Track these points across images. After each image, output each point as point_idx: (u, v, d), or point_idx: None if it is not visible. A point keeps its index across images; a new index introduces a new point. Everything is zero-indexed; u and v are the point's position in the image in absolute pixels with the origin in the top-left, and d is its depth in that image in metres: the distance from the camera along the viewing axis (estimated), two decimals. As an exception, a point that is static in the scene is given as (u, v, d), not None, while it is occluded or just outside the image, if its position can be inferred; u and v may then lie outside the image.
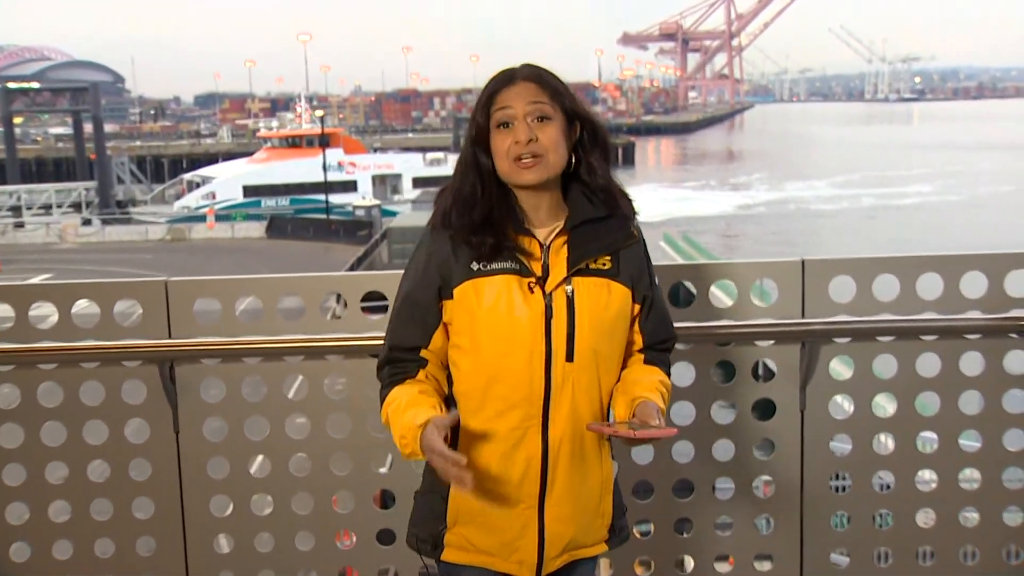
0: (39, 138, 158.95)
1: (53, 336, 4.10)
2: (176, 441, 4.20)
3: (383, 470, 4.25)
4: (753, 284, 4.20)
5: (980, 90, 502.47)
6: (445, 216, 2.83)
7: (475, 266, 2.76)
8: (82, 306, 4.17)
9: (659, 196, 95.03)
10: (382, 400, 2.90)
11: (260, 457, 4.24)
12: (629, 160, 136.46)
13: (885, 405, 4.26)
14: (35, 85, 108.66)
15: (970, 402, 4.24)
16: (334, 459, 4.22)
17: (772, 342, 4.18)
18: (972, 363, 4.23)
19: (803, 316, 4.15)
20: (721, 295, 4.60)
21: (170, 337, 4.14)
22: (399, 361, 2.89)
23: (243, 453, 4.22)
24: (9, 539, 4.26)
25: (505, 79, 2.85)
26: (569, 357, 2.76)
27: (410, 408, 2.75)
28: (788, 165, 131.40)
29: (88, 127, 76.93)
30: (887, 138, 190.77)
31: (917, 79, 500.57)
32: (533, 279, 2.76)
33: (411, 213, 53.11)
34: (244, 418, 4.19)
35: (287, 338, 4.10)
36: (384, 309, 3.66)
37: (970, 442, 4.29)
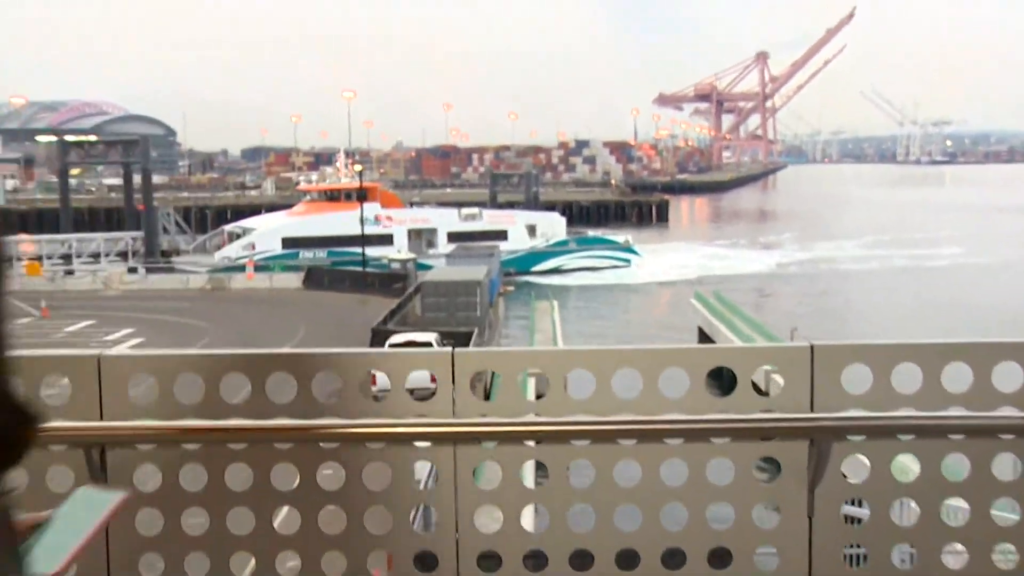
0: (93, 188, 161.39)
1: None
2: (105, 534, 3.66)
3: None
4: (755, 371, 3.64)
5: (1011, 154, 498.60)
6: None
7: None
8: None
9: (692, 254, 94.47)
10: None
11: (199, 554, 3.70)
12: (663, 218, 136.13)
13: (906, 513, 3.66)
14: (91, 138, 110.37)
15: (1005, 512, 3.63)
16: (281, 558, 3.68)
17: (776, 439, 3.60)
18: (1006, 466, 3.62)
19: (812, 410, 3.58)
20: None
21: (102, 419, 3.62)
22: None
23: (180, 550, 3.68)
24: None
25: None
26: None
27: None
28: (820, 225, 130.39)
29: (137, 178, 77.67)
30: (918, 200, 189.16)
31: (948, 142, 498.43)
32: None
33: (444, 267, 52.89)
34: (182, 510, 3.65)
35: (231, 424, 3.58)
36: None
37: (1005, 556, 3.67)
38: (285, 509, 3.69)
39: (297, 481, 3.64)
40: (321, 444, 3.61)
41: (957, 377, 3.59)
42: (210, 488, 3.65)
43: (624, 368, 3.60)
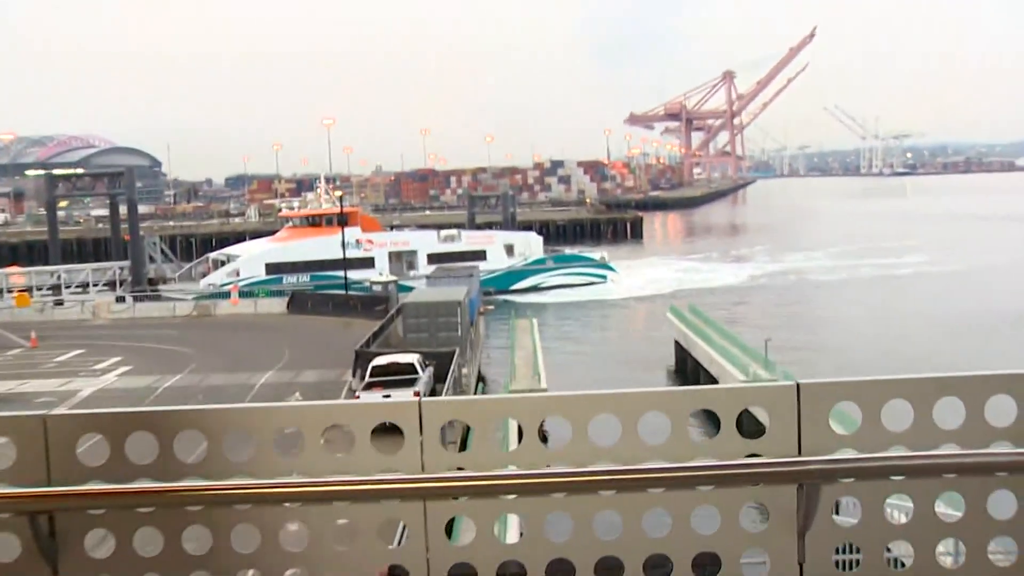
0: (81, 219, 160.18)
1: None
2: None
3: None
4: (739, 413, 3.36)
5: (967, 164, 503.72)
6: None
7: None
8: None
9: (667, 268, 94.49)
10: None
11: None
12: (637, 234, 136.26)
13: (900, 556, 3.38)
14: (78, 171, 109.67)
15: (1002, 552, 3.36)
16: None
17: (761, 485, 3.33)
18: (1003, 505, 3.36)
19: (800, 452, 3.31)
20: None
21: (49, 483, 3.30)
22: None
23: None
24: None
25: None
26: None
27: None
28: (789, 237, 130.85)
29: (124, 209, 77.05)
30: (882, 210, 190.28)
31: (908, 154, 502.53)
32: None
33: (425, 289, 52.49)
34: None
35: (188, 485, 3.27)
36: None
37: None
38: (250, 572, 3.39)
39: (259, 543, 3.34)
40: (286, 504, 3.31)
41: (949, 412, 3.33)
42: (167, 553, 3.34)
43: (603, 414, 3.32)
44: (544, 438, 3.39)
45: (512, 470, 3.19)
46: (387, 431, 3.36)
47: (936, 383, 3.34)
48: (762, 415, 3.36)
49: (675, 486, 3.26)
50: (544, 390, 38.59)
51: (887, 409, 3.32)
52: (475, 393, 37.61)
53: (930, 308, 67.23)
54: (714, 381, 43.23)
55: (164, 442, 3.31)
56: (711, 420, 3.39)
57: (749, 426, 3.41)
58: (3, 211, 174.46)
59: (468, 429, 3.38)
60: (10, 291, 66.98)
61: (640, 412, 3.29)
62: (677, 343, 50.77)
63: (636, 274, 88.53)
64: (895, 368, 45.89)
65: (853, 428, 3.32)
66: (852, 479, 3.31)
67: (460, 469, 3.28)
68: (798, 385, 3.31)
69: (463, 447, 3.40)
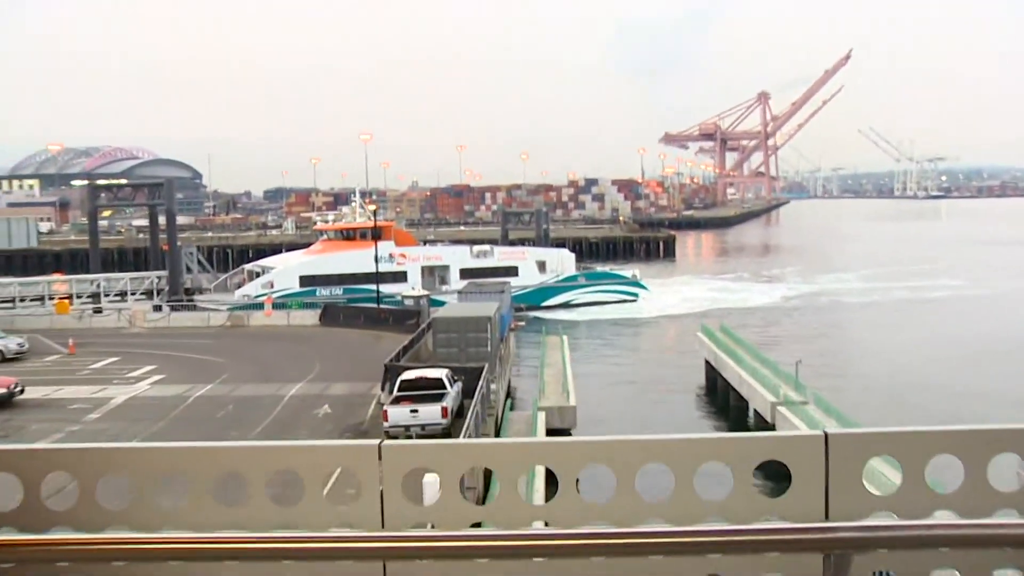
0: (123, 229, 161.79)
1: None
2: None
3: None
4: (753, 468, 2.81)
5: (1003, 188, 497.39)
6: None
7: None
8: None
9: (699, 288, 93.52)
10: None
11: None
12: (669, 253, 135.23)
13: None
14: (119, 182, 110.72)
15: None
16: None
17: (780, 553, 2.77)
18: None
19: (827, 515, 2.75)
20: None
21: None
22: None
23: None
24: None
25: None
26: None
27: None
28: (822, 258, 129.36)
29: (163, 220, 77.45)
30: (916, 233, 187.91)
31: (943, 178, 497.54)
32: None
33: (456, 304, 51.97)
34: None
35: (109, 536, 2.76)
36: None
37: None
38: None
39: None
40: (224, 562, 2.79)
41: (1007, 472, 2.76)
42: None
43: (595, 464, 2.78)
44: (531, 489, 2.85)
45: (473, 531, 2.66)
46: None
47: (991, 436, 2.77)
48: (784, 467, 2.81)
49: (677, 552, 2.71)
50: (573, 407, 38.02)
51: (932, 466, 2.76)
52: (502, 409, 37.03)
53: (968, 332, 65.84)
54: (743, 402, 42.35)
55: (85, 485, 2.82)
56: (723, 471, 2.85)
57: (770, 478, 2.86)
58: (49, 220, 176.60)
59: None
60: (51, 298, 67.48)
61: (636, 464, 2.75)
62: (707, 363, 49.94)
63: (668, 293, 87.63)
64: (931, 400, 44.77)
65: (891, 488, 2.76)
66: (889, 549, 2.74)
67: (428, 526, 2.76)
68: (826, 435, 2.76)
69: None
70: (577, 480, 2.81)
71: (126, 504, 2.81)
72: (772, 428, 36.88)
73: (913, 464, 2.75)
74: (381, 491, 2.79)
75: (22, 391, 38.31)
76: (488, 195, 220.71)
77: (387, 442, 2.77)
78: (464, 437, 26.14)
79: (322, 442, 2.82)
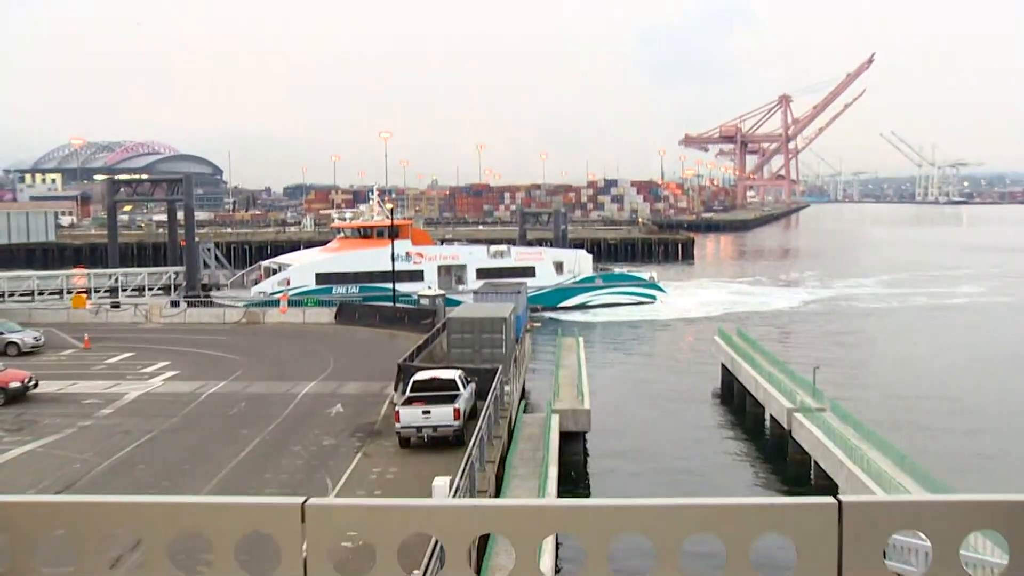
0: (143, 224, 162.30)
1: None
2: None
3: None
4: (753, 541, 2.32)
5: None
6: None
7: None
8: None
9: (717, 291, 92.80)
10: None
11: None
12: (688, 255, 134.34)
13: None
14: (139, 177, 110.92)
15: None
16: None
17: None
18: None
19: (839, 601, 2.26)
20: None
21: None
22: None
23: None
24: None
25: None
26: None
27: None
28: (841, 263, 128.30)
29: (182, 215, 77.35)
30: (937, 239, 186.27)
31: (965, 183, 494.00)
32: None
33: (471, 304, 51.45)
34: None
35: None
36: None
37: None
38: None
39: None
40: None
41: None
42: None
43: (558, 534, 2.30)
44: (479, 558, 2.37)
45: None
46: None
47: (1037, 507, 2.27)
48: (788, 543, 2.32)
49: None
50: (588, 410, 37.42)
51: (969, 543, 2.25)
52: (516, 411, 36.47)
53: (985, 340, 64.92)
54: (760, 407, 41.73)
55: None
56: (715, 545, 2.36)
57: (770, 551, 2.38)
58: (71, 213, 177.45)
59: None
60: (69, 292, 67.43)
61: (608, 533, 2.27)
62: (724, 367, 49.33)
63: (685, 295, 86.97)
64: (950, 411, 43.99)
65: (918, 568, 2.26)
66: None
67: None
68: (840, 503, 2.27)
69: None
70: (539, 550, 2.33)
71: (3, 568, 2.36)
72: (788, 434, 36.30)
73: (945, 540, 2.26)
74: (304, 559, 2.33)
75: (36, 385, 38.17)
76: (507, 195, 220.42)
77: (312, 501, 2.31)
78: (476, 439, 25.67)
79: (236, 499, 2.36)
